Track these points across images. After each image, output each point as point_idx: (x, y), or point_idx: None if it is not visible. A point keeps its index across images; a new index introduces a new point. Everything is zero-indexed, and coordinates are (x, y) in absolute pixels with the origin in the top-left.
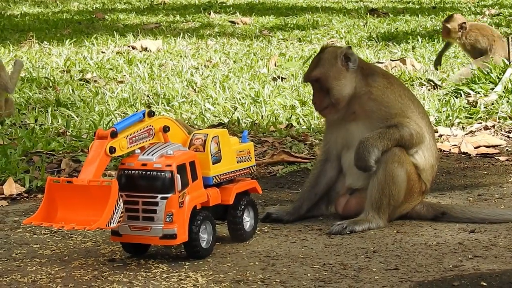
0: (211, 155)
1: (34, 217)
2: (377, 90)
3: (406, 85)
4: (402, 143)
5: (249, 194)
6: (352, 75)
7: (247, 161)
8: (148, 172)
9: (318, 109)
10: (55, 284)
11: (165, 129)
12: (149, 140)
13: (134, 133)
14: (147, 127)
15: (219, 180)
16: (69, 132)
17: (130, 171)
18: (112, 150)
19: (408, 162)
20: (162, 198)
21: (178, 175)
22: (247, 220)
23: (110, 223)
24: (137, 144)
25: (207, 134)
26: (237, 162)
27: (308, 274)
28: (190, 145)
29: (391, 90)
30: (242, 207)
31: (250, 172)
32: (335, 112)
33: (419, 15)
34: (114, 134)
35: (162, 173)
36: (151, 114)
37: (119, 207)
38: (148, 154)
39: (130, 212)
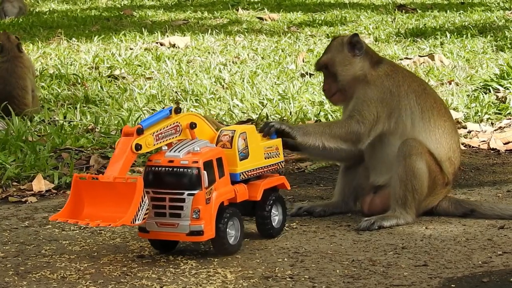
0: (239, 151)
1: (60, 214)
2: (376, 75)
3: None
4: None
5: (278, 190)
6: (359, 61)
7: (275, 157)
8: (174, 169)
9: (327, 95)
10: (84, 280)
11: (192, 125)
12: (176, 136)
13: (160, 130)
14: (174, 123)
15: (246, 177)
16: (97, 128)
17: (157, 168)
18: (138, 147)
19: (427, 152)
20: (189, 194)
21: (205, 172)
22: (276, 216)
23: (135, 220)
24: (163, 141)
25: (235, 131)
26: (265, 158)
27: (337, 270)
28: (217, 142)
29: (391, 77)
30: (270, 203)
31: (278, 168)
32: (343, 99)
33: (448, 11)
34: (140, 131)
35: (189, 170)
36: (178, 110)
37: (144, 204)
38: (175, 151)
39: (157, 208)
